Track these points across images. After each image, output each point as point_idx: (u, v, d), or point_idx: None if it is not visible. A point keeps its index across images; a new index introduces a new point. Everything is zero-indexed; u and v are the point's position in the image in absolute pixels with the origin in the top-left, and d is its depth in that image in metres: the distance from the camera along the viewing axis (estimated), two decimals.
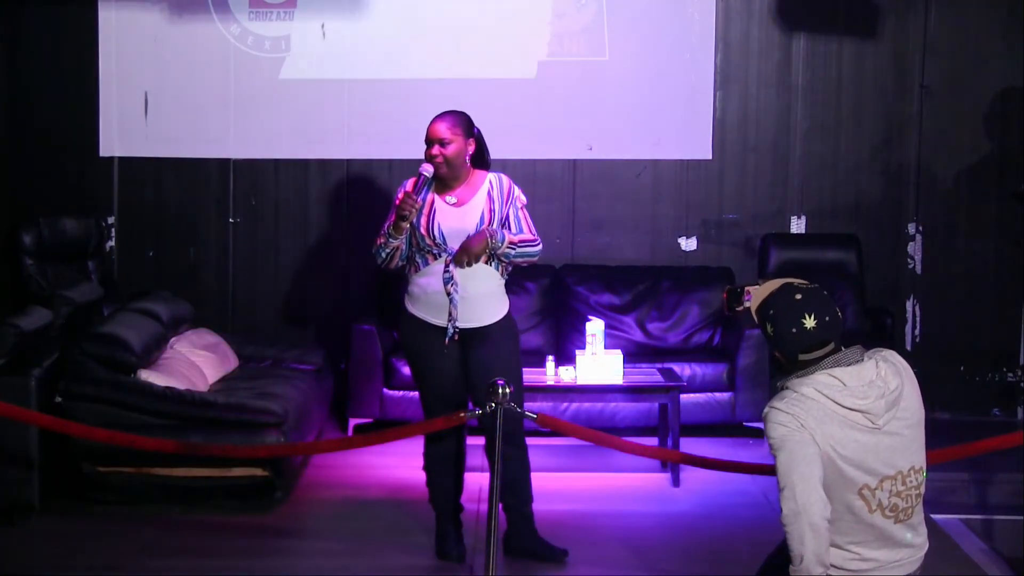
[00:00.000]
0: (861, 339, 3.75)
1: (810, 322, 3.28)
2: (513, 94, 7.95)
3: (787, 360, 3.34)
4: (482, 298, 5.14)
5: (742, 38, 8.05)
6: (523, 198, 5.27)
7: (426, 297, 5.15)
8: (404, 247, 5.15)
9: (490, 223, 5.11)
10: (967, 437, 5.35)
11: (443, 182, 5.17)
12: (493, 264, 5.14)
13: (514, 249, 5.12)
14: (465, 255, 5.05)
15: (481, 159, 5.27)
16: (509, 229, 5.15)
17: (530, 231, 5.21)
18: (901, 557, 3.35)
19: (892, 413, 3.27)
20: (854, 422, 3.23)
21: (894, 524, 3.31)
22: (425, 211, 5.13)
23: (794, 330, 3.29)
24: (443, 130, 5.11)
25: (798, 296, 3.33)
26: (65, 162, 8.05)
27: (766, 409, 3.30)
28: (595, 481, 6.59)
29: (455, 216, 5.13)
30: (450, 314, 5.11)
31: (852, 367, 3.27)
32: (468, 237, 5.07)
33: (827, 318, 3.29)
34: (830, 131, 8.09)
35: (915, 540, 3.37)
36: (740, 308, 3.52)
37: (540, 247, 5.23)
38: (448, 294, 5.09)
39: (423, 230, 5.12)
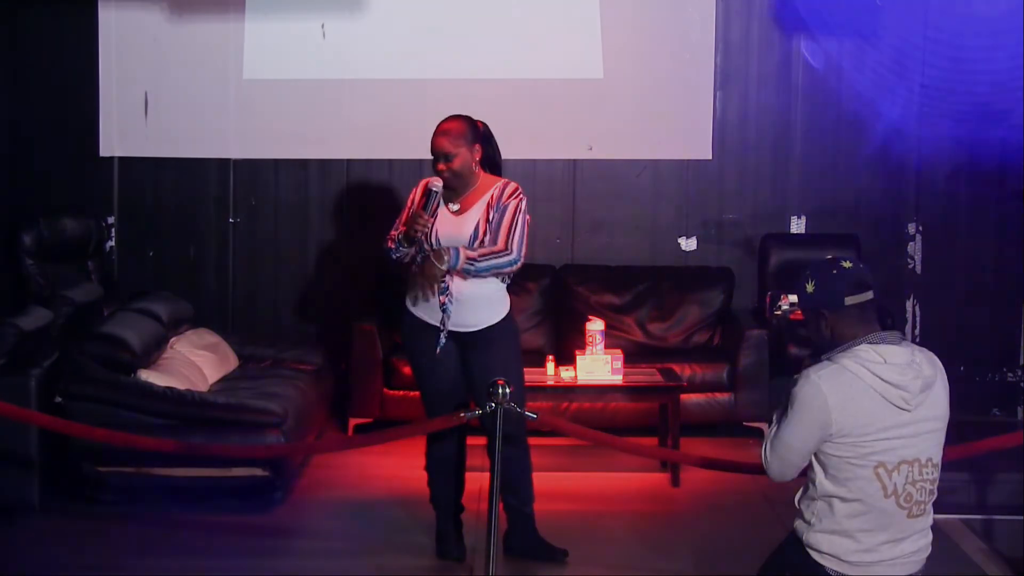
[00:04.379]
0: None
1: (847, 263, 3.41)
2: (513, 94, 7.93)
3: (832, 312, 3.38)
4: (480, 301, 5.12)
5: (742, 38, 8.04)
6: (516, 202, 5.06)
7: (424, 297, 5.15)
8: (419, 253, 5.15)
9: (485, 233, 5.06)
10: (967, 437, 5.33)
11: (452, 190, 5.14)
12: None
13: (474, 264, 4.99)
14: (424, 279, 5.03)
15: (492, 162, 5.22)
16: (488, 234, 5.07)
17: (505, 238, 5.02)
18: (905, 555, 3.38)
19: (925, 396, 3.34)
20: (889, 399, 3.30)
21: (907, 518, 3.35)
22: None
23: (835, 271, 3.40)
24: (446, 144, 5.04)
25: (828, 256, 3.53)
26: (65, 162, 8.04)
27: (804, 371, 3.38)
28: (595, 481, 6.58)
29: (453, 224, 5.10)
30: (443, 322, 5.11)
31: (893, 346, 3.35)
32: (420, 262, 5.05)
33: (861, 265, 3.44)
34: (830, 131, 8.08)
35: (920, 541, 3.41)
36: (779, 312, 3.71)
37: (512, 258, 5.02)
38: (442, 304, 5.08)
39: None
